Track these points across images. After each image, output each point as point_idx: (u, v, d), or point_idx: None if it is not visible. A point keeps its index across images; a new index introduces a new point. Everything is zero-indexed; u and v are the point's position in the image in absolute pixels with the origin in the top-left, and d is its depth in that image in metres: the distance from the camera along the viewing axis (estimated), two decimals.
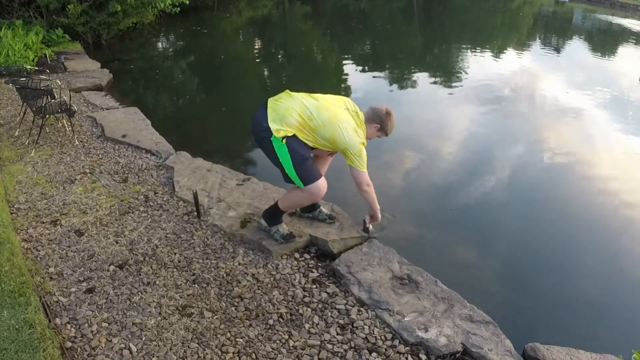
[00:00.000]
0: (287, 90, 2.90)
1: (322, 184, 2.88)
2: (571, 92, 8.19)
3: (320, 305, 2.68)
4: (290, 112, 2.75)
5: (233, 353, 2.34)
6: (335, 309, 2.65)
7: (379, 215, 3.18)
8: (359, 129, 2.91)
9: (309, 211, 3.34)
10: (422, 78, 8.95)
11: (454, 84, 8.65)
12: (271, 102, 2.85)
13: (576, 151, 5.57)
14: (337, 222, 3.33)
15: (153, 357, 2.30)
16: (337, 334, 2.48)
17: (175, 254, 3.07)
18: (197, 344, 2.39)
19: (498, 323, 2.54)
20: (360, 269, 2.90)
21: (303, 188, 2.87)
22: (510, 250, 3.66)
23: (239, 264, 2.99)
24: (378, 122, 2.97)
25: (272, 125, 2.73)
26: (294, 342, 2.42)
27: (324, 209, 3.36)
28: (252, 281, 2.85)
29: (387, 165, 4.97)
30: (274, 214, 3.14)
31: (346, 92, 7.79)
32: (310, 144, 2.83)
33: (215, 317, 2.56)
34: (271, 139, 2.74)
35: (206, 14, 15.57)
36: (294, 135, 2.76)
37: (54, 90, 4.92)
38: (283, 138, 2.73)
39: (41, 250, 3.06)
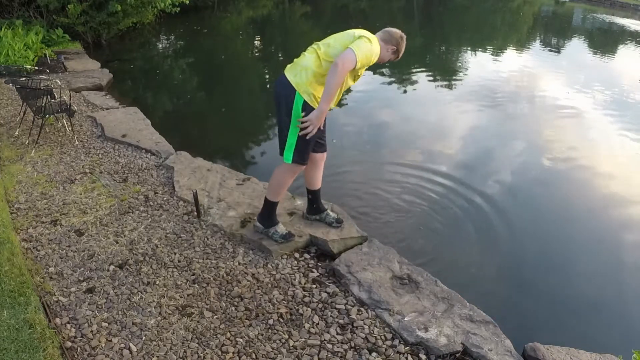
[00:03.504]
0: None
1: (304, 166, 2.94)
2: (571, 92, 8.19)
3: (320, 305, 2.68)
4: (303, 58, 2.75)
5: (233, 353, 2.34)
6: (335, 308, 2.65)
7: (318, 119, 2.67)
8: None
9: (316, 213, 3.33)
10: (422, 78, 8.95)
11: (454, 84, 8.66)
12: (288, 66, 2.84)
13: (576, 151, 5.57)
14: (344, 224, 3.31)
15: (153, 357, 2.30)
16: (337, 333, 2.49)
17: (175, 253, 3.07)
18: (197, 343, 2.39)
19: (498, 323, 2.54)
20: (360, 268, 2.90)
21: (285, 164, 2.88)
22: (510, 250, 3.66)
23: (239, 264, 2.99)
24: (394, 44, 2.86)
25: (293, 79, 2.70)
26: (294, 342, 2.42)
27: (332, 213, 3.35)
28: (252, 281, 2.85)
29: (388, 164, 4.97)
30: (268, 213, 3.14)
31: (346, 91, 7.78)
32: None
33: (215, 317, 2.56)
34: (294, 102, 2.70)
35: (206, 13, 15.56)
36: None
37: (54, 90, 4.92)
38: (304, 111, 2.70)
39: (41, 250, 3.06)
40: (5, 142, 4.69)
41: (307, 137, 2.74)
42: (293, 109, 2.72)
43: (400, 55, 2.98)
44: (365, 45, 2.63)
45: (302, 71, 2.70)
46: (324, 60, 2.69)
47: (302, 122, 2.69)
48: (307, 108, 2.72)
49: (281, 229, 3.15)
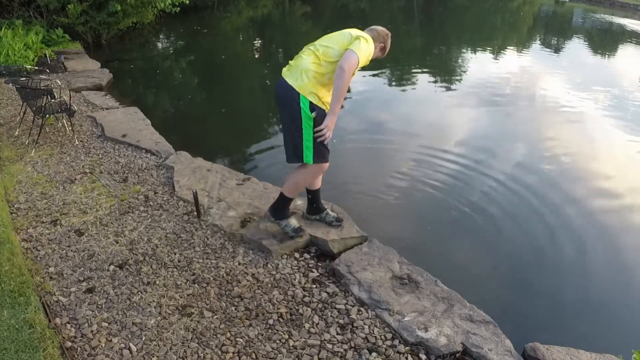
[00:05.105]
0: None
1: (327, 164, 2.94)
2: (571, 92, 8.19)
3: (320, 305, 2.68)
4: (301, 61, 2.77)
5: (233, 353, 2.34)
6: (335, 308, 2.65)
7: (332, 123, 2.73)
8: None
9: (316, 213, 3.33)
10: (422, 78, 8.95)
11: (454, 84, 8.66)
12: (284, 69, 2.86)
13: (577, 151, 5.57)
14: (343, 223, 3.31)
15: (153, 356, 2.30)
16: (337, 333, 2.49)
17: (175, 253, 3.07)
18: (197, 343, 2.39)
19: (498, 323, 2.54)
20: (360, 268, 2.90)
21: (309, 165, 2.88)
22: (510, 250, 3.66)
23: (239, 264, 2.99)
24: (381, 41, 2.96)
25: (294, 83, 2.72)
26: (294, 341, 2.42)
27: (331, 212, 3.35)
28: (252, 281, 2.85)
29: (387, 164, 4.97)
30: (281, 206, 3.14)
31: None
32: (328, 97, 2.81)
33: (215, 317, 2.56)
34: (300, 105, 2.71)
35: (206, 13, 15.57)
36: (322, 110, 2.77)
37: (54, 90, 4.92)
38: (313, 111, 2.72)
39: (41, 250, 3.06)
40: (5, 142, 4.69)
41: (326, 142, 2.81)
42: (301, 111, 2.74)
43: (386, 52, 3.07)
44: (364, 46, 2.70)
45: (302, 73, 2.72)
46: (324, 61, 2.73)
47: (319, 131, 2.73)
48: (315, 107, 2.75)
49: (293, 222, 3.17)
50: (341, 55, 2.67)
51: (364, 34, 2.82)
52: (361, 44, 2.67)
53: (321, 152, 2.85)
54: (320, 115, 2.76)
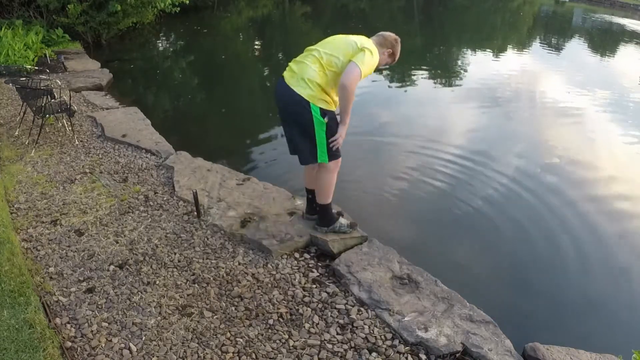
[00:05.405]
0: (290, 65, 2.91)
1: (340, 157, 2.99)
2: (571, 92, 8.19)
3: (320, 305, 2.68)
4: (306, 68, 2.76)
5: (233, 353, 2.34)
6: (335, 308, 2.65)
7: (344, 132, 2.87)
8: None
9: (316, 213, 3.32)
10: (422, 77, 8.96)
11: (454, 84, 8.66)
12: (286, 74, 2.84)
13: (577, 151, 5.57)
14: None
15: (153, 356, 2.30)
16: (337, 333, 2.48)
17: (175, 253, 3.07)
18: (197, 343, 2.39)
19: (498, 323, 2.54)
20: (360, 268, 2.90)
21: (326, 164, 2.92)
22: (510, 250, 3.66)
23: (239, 264, 2.99)
24: (389, 47, 2.95)
25: (303, 92, 2.73)
26: (294, 341, 2.42)
27: (342, 220, 3.32)
28: (252, 281, 2.85)
29: (387, 164, 4.97)
30: (325, 214, 3.17)
31: None
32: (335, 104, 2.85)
33: (215, 317, 2.56)
34: (312, 113, 2.73)
35: (206, 13, 15.57)
36: (332, 112, 2.82)
37: (54, 90, 4.92)
38: (325, 116, 2.75)
39: (41, 250, 3.06)
40: (5, 142, 4.69)
41: (340, 148, 2.89)
42: (314, 118, 2.76)
43: (397, 59, 3.04)
44: (368, 58, 2.71)
45: (308, 82, 2.73)
46: (328, 70, 2.75)
47: (333, 140, 2.82)
48: (326, 112, 2.78)
49: (344, 220, 3.21)
50: (345, 66, 2.68)
51: (370, 44, 2.80)
52: (365, 57, 2.68)
53: (335, 152, 2.91)
54: (330, 117, 2.80)
